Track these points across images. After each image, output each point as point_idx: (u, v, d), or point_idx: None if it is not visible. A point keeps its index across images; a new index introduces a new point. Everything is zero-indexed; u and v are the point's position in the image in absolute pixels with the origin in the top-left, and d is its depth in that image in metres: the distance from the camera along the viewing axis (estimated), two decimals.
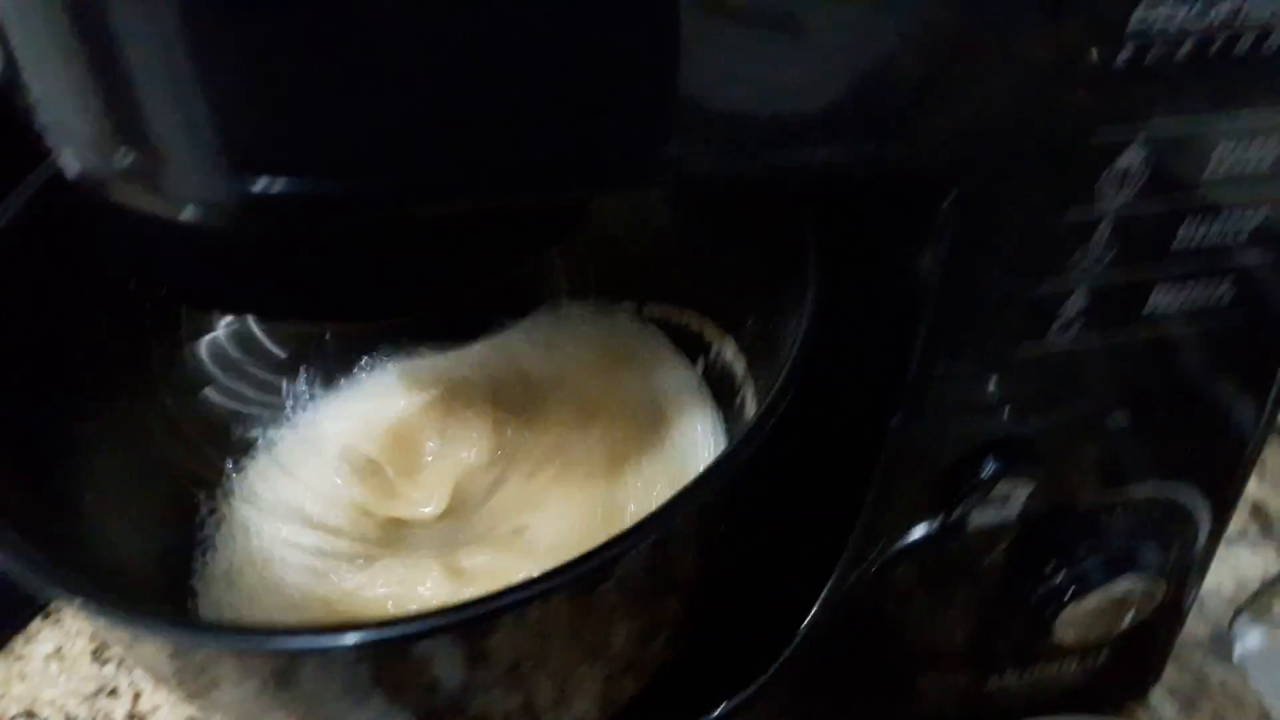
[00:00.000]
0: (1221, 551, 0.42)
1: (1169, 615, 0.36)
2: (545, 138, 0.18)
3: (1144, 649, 0.37)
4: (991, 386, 0.25)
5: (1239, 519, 0.46)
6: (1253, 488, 0.47)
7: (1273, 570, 0.42)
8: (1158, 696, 0.40)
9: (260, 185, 0.17)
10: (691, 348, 0.37)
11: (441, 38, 0.16)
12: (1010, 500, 0.28)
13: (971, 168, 0.21)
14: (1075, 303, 0.24)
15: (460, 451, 0.36)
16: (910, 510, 0.28)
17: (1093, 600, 0.30)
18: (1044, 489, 0.27)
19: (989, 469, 0.27)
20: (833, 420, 0.28)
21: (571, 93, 0.17)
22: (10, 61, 0.18)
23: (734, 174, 0.20)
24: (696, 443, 0.35)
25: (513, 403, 0.37)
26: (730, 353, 0.35)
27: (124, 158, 0.17)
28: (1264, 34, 0.20)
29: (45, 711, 0.39)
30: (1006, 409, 0.26)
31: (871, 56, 0.18)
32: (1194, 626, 0.42)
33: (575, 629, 0.24)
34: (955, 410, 0.25)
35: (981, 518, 0.28)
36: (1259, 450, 0.30)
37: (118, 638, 0.26)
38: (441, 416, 0.36)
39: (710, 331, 0.36)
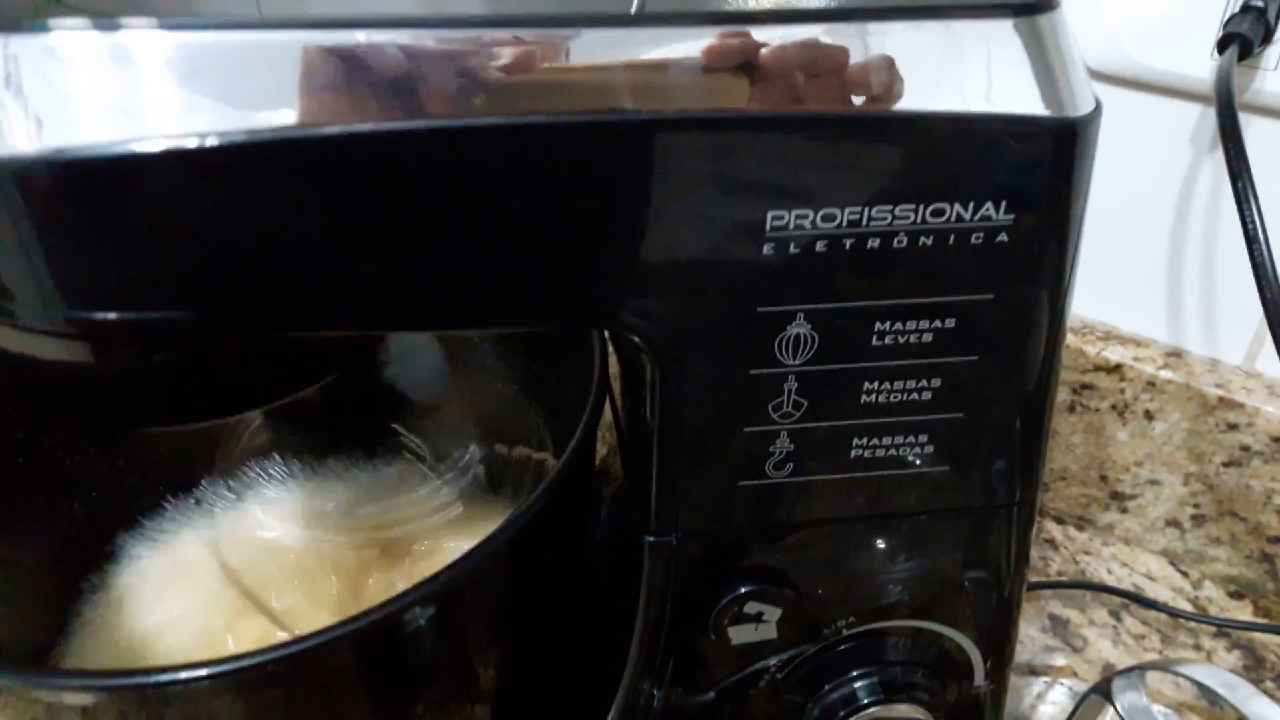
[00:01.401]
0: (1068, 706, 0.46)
1: None
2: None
3: None
4: (723, 515, 0.30)
5: (1090, 675, 0.48)
6: (1107, 648, 0.50)
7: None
8: None
9: (97, 316, 0.24)
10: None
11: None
12: (764, 620, 0.32)
13: (673, 331, 0.27)
14: (782, 445, 0.29)
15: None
16: (678, 628, 0.32)
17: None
18: (795, 612, 0.32)
19: (740, 590, 0.31)
20: (617, 540, 0.33)
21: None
22: None
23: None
24: None
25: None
26: None
27: None
28: (889, 235, 0.26)
29: None
30: (746, 535, 0.30)
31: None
32: None
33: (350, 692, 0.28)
34: (699, 533, 0.30)
35: (740, 635, 0.32)
36: (1014, 589, 0.34)
37: None
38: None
39: (549, 462, 0.41)
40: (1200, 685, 0.33)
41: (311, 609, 0.37)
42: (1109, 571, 0.54)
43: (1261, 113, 0.45)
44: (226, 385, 0.28)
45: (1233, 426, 0.49)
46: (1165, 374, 0.50)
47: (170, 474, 0.40)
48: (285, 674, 0.27)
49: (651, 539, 0.30)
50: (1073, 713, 0.38)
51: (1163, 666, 0.33)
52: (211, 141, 0.22)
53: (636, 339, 0.27)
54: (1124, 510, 0.55)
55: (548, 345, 0.38)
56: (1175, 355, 0.51)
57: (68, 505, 0.38)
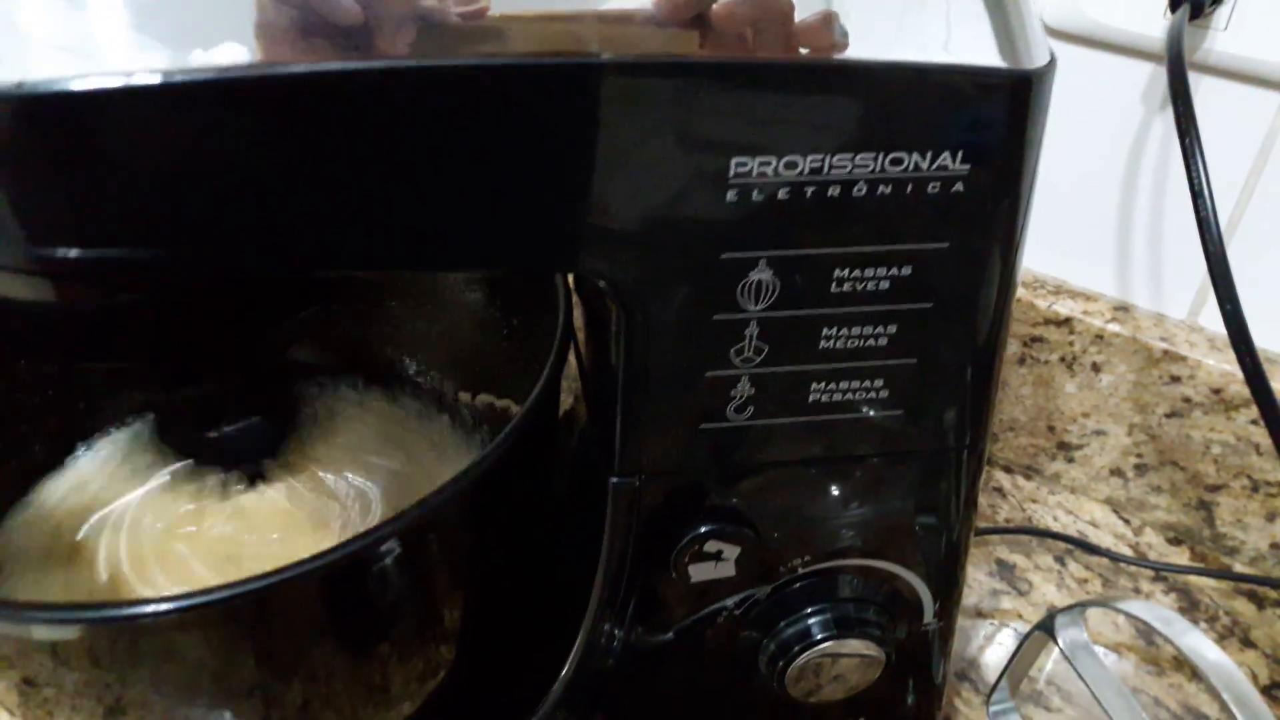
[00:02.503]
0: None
1: (923, 689, 0.40)
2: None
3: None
4: (685, 457, 0.31)
5: (1034, 616, 0.50)
6: (1052, 591, 0.52)
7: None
8: None
9: (59, 253, 0.24)
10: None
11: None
12: (724, 557, 0.33)
13: (636, 275, 0.27)
14: (743, 389, 0.30)
15: None
16: (641, 566, 0.33)
17: (818, 655, 0.35)
18: (754, 550, 0.33)
19: (701, 529, 0.32)
20: (581, 480, 0.34)
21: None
22: None
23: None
24: None
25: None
26: None
27: None
28: (850, 183, 0.27)
29: None
30: (706, 476, 0.31)
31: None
32: (974, 711, 0.46)
33: (344, 619, 0.29)
34: (661, 474, 0.31)
35: (700, 573, 0.33)
36: (961, 531, 0.35)
37: None
38: None
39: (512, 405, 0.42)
40: (1138, 620, 0.34)
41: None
42: (1054, 519, 0.56)
43: (1211, 72, 0.46)
44: (190, 324, 0.29)
45: (1175, 379, 0.51)
46: (1113, 327, 0.52)
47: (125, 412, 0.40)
48: (252, 609, 0.28)
49: (615, 480, 0.31)
50: (1017, 649, 0.39)
51: (1103, 603, 0.34)
52: (172, 79, 0.21)
53: (601, 284, 0.27)
54: (1070, 460, 0.56)
55: (516, 291, 0.39)
56: (1123, 309, 0.53)
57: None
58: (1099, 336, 0.52)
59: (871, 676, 0.36)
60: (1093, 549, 0.52)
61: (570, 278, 0.35)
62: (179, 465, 0.39)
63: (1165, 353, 0.51)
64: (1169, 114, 0.47)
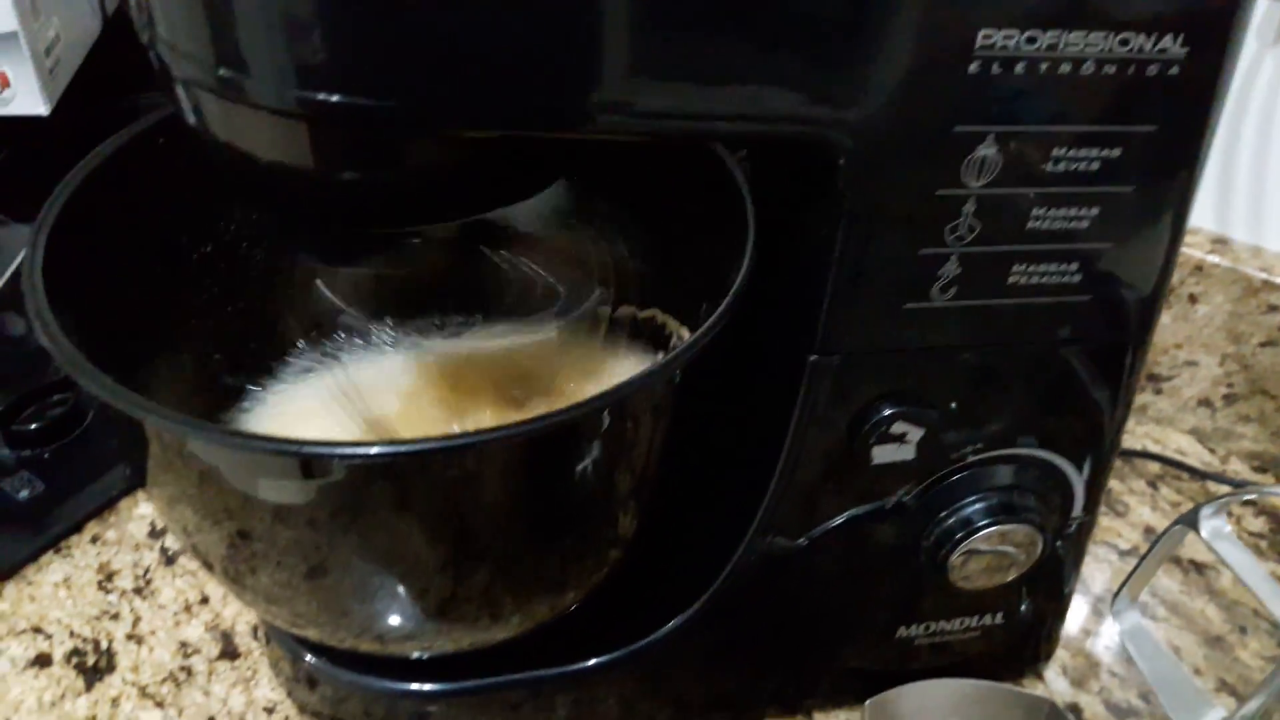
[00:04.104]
0: (1117, 562, 0.49)
1: (1053, 589, 0.42)
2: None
3: (1035, 623, 0.43)
4: (885, 336, 0.32)
5: (1131, 537, 0.52)
6: (1147, 513, 0.53)
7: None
8: (1051, 674, 0.45)
9: (320, 96, 0.25)
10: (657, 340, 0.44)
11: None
12: (906, 440, 0.34)
13: (861, 145, 0.28)
14: (950, 269, 0.31)
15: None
16: (824, 447, 0.34)
17: (980, 541, 0.36)
18: (936, 433, 0.34)
19: (888, 410, 0.33)
20: (765, 362, 0.35)
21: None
22: (147, 11, 0.26)
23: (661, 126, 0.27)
24: None
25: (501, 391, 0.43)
26: (686, 336, 0.42)
27: (224, 73, 0.25)
28: (1079, 61, 0.28)
29: (52, 629, 0.44)
30: (901, 357, 0.32)
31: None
32: (1086, 624, 0.48)
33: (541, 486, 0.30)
34: (859, 355, 0.32)
35: (882, 455, 0.34)
36: (1116, 428, 0.37)
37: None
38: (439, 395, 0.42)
39: (671, 324, 0.43)
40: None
41: None
42: (1142, 449, 0.57)
43: None
44: (424, 195, 0.29)
45: (1273, 308, 0.52)
46: (1212, 258, 0.53)
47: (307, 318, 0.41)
48: (465, 463, 0.29)
49: (814, 358, 0.32)
50: (1156, 541, 0.41)
51: (1257, 490, 0.36)
52: None
53: (841, 161, 0.28)
54: (1158, 392, 0.58)
55: (670, 200, 0.40)
56: (1221, 242, 0.54)
57: (209, 329, 0.38)
58: (1198, 268, 0.54)
59: (1027, 565, 0.37)
60: (1191, 470, 0.54)
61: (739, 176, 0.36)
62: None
63: (1264, 283, 0.52)
64: None
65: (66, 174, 0.34)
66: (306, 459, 0.27)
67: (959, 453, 0.35)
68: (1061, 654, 0.46)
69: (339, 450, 0.27)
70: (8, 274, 0.60)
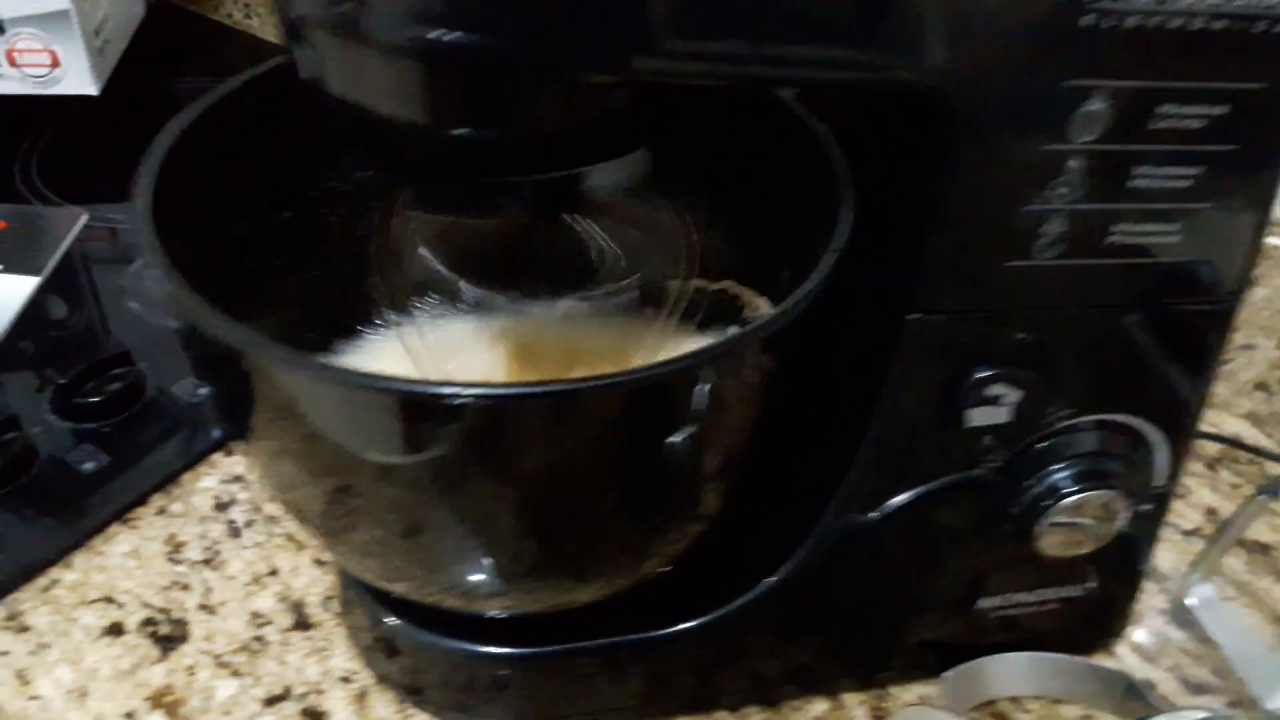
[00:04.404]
0: (1180, 542, 0.49)
1: (1130, 563, 0.42)
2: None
3: (1110, 597, 0.43)
4: (984, 295, 0.32)
5: (1193, 518, 0.52)
6: (1208, 494, 0.53)
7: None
8: (1122, 650, 0.45)
9: (435, 34, 0.25)
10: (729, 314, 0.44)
11: None
12: (1002, 402, 0.34)
13: (971, 98, 0.28)
14: (1052, 227, 0.31)
15: None
16: (916, 411, 0.34)
17: (1069, 509, 0.36)
18: (1032, 396, 0.34)
19: (986, 372, 0.33)
20: (853, 324, 0.35)
21: None
22: None
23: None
24: None
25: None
26: (763, 308, 0.41)
27: (343, 7, 0.25)
28: (1192, 14, 0.28)
29: (123, 599, 0.44)
30: (999, 317, 0.32)
31: None
32: (1153, 600, 0.48)
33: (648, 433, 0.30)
34: (958, 314, 0.32)
35: (977, 418, 0.34)
36: (1202, 394, 0.37)
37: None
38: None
39: (746, 295, 0.43)
40: None
41: None
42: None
43: None
44: (531, 145, 0.29)
45: None
46: (1272, 240, 0.53)
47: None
48: (562, 412, 0.29)
49: (915, 317, 0.32)
50: (1236, 513, 0.41)
51: None
52: None
53: (950, 112, 0.28)
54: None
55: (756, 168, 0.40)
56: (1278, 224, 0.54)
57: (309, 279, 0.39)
58: None
59: (1112, 534, 0.37)
60: (1255, 450, 0.54)
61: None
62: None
63: None
64: None
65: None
66: (428, 399, 0.27)
67: (1052, 417, 0.35)
68: (1132, 631, 0.46)
69: (465, 391, 0.26)
70: (59, 254, 0.60)
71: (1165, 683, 0.44)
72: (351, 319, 0.41)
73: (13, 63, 0.61)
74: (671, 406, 0.31)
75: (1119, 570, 0.42)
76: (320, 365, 0.28)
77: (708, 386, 0.30)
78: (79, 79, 0.63)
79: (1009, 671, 0.42)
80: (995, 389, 0.33)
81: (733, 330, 0.43)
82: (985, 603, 0.41)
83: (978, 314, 0.32)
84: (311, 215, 0.40)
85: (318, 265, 0.39)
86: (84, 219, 0.61)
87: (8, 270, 0.58)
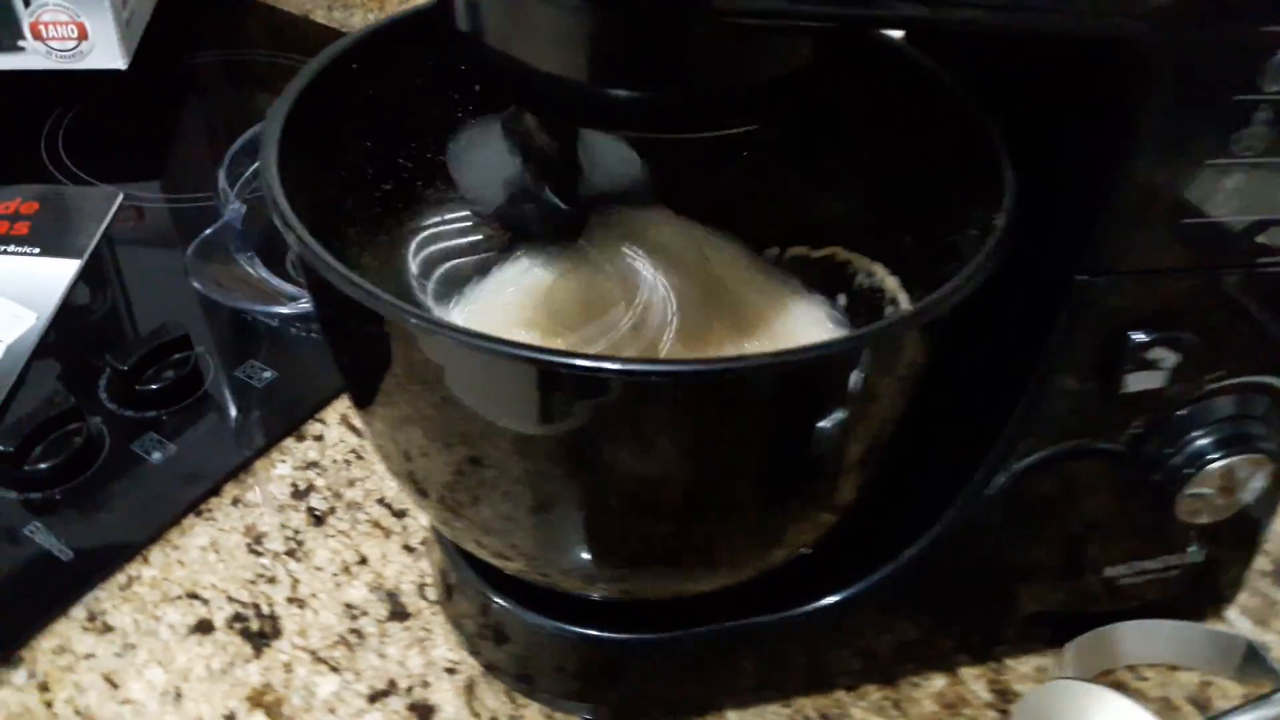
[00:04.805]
0: None
1: (1250, 528, 0.41)
2: None
3: (1224, 563, 0.42)
4: (1160, 255, 0.31)
5: None
6: None
7: None
8: (1232, 614, 0.45)
9: None
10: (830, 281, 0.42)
11: None
12: (1161, 366, 0.33)
13: (1164, 45, 0.27)
14: (1233, 181, 0.29)
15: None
16: (1073, 376, 0.33)
17: (1216, 474, 0.35)
18: (1191, 360, 0.33)
19: (1148, 335, 0.32)
20: (1020, 284, 0.33)
21: None
22: None
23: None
24: None
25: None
26: (879, 275, 0.40)
27: None
28: None
29: (208, 594, 0.42)
30: (1167, 278, 0.31)
31: None
32: (1258, 564, 0.47)
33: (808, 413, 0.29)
34: (1127, 275, 0.31)
35: (1134, 382, 0.33)
36: None
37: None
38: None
39: (857, 261, 0.41)
40: None
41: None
42: None
43: None
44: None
45: None
46: None
47: None
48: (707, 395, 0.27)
49: (1083, 279, 0.31)
50: None
51: None
52: None
53: (1139, 62, 0.27)
54: None
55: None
56: None
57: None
58: None
59: (1255, 497, 0.36)
60: None
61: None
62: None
63: None
64: None
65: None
66: (573, 371, 0.26)
67: (1206, 380, 0.34)
68: (1242, 597, 0.45)
69: (612, 365, 0.25)
70: (98, 236, 0.57)
71: (1278, 646, 0.43)
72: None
73: (38, 35, 0.58)
74: (828, 388, 0.29)
75: (1240, 534, 0.41)
76: (466, 332, 0.27)
77: (867, 369, 0.29)
78: (107, 52, 0.59)
79: (1129, 639, 0.41)
80: (1156, 352, 0.32)
81: (841, 299, 0.41)
82: (1110, 571, 0.40)
83: (1146, 275, 0.31)
84: (410, 186, 0.37)
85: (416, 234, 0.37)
86: (120, 198, 0.59)
87: (45, 253, 0.55)
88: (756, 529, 0.34)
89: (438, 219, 0.37)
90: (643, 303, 0.35)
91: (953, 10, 0.25)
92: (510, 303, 0.38)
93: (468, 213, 0.37)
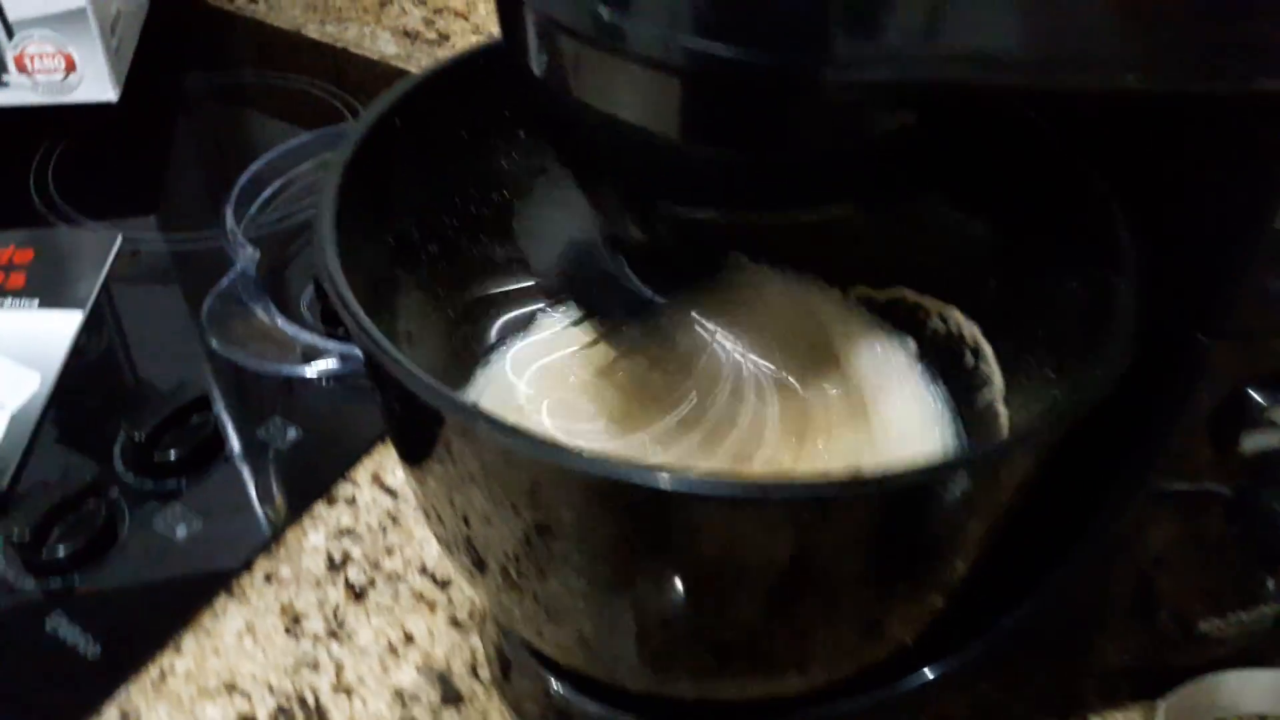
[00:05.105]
0: None
1: None
2: None
3: None
4: None
5: None
6: None
7: None
8: None
9: (702, 47, 0.21)
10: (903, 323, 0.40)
11: None
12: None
13: None
14: None
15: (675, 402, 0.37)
16: (1190, 434, 0.31)
17: None
18: None
19: (1270, 396, 0.30)
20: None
21: None
22: None
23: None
24: (908, 415, 0.38)
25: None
26: (955, 320, 0.37)
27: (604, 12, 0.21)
28: None
29: (248, 686, 0.39)
30: None
31: None
32: None
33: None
34: (1256, 335, 0.28)
35: (1252, 442, 0.31)
36: None
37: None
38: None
39: (929, 304, 0.39)
40: None
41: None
42: None
43: None
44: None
45: None
46: None
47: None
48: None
49: (1204, 339, 0.28)
50: None
51: None
52: None
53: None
54: None
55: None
56: None
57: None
58: None
59: None
60: None
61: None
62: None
63: None
64: None
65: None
66: (644, 490, 0.23)
67: None
68: None
69: (686, 481, 0.22)
70: (99, 283, 0.54)
71: None
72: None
73: (23, 69, 0.54)
74: (930, 510, 0.27)
75: None
76: (543, 442, 0.24)
77: (1014, 475, 0.26)
78: (97, 84, 0.56)
79: (1226, 690, 0.39)
80: (1277, 413, 0.30)
81: (911, 344, 0.39)
82: (1205, 625, 0.38)
83: (1267, 335, 0.29)
84: (454, 244, 0.35)
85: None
86: (119, 240, 0.55)
87: (44, 305, 0.52)
88: (847, 640, 0.31)
89: (499, 291, 0.34)
90: (726, 388, 0.32)
91: (1106, 81, 0.23)
92: (568, 366, 0.35)
93: (531, 283, 0.34)
